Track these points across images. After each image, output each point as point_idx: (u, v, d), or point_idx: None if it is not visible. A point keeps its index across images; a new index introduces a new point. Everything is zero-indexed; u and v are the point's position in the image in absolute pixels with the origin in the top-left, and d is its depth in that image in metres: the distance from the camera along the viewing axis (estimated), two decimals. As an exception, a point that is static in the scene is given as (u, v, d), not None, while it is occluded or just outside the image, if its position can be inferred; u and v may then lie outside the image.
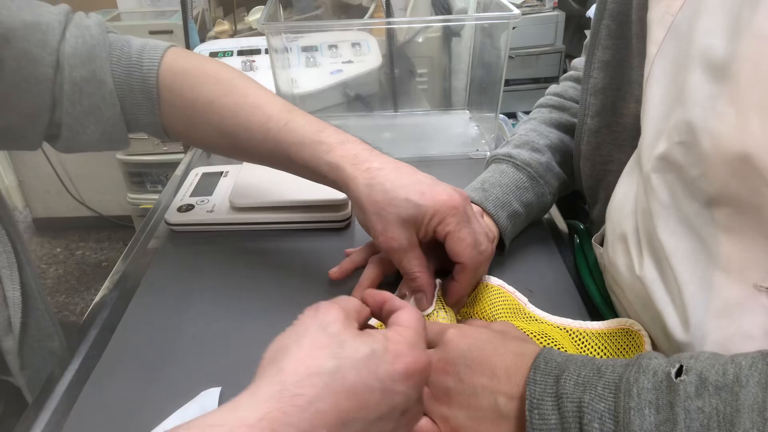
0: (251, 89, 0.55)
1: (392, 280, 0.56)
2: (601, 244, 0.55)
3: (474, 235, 0.48)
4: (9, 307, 0.57)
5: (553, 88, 0.72)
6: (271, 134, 0.52)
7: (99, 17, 0.56)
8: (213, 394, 0.45)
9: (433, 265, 0.52)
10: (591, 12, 1.48)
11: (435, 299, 0.50)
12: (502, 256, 0.60)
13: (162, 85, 0.55)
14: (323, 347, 0.31)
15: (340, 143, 0.50)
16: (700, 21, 0.38)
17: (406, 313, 0.36)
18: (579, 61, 0.72)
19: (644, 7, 0.46)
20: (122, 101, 0.56)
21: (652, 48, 0.44)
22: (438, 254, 0.51)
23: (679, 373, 0.32)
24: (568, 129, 0.66)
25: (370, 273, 0.55)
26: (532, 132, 0.65)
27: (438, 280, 0.52)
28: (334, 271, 0.57)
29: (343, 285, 0.57)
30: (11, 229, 0.59)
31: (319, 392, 0.29)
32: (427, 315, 0.50)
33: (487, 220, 0.58)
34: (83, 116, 0.54)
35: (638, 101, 0.48)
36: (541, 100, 0.71)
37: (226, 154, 0.61)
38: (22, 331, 0.59)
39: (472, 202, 0.58)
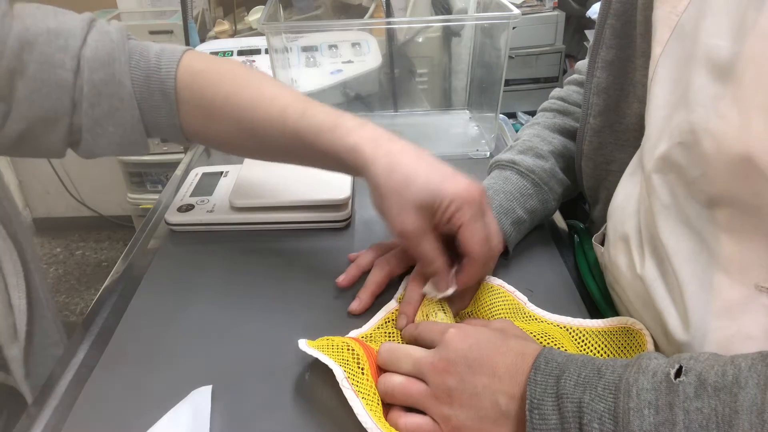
0: (266, 83, 0.56)
1: (397, 280, 0.56)
2: (602, 243, 0.55)
3: (487, 229, 0.48)
4: (14, 314, 0.57)
5: (557, 92, 0.71)
6: (289, 123, 0.53)
7: (120, 24, 0.57)
8: (205, 392, 0.45)
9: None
10: (591, 12, 1.48)
11: (453, 280, 0.50)
12: (506, 260, 0.60)
13: (180, 86, 0.56)
14: None
15: (360, 126, 0.51)
16: (705, 22, 0.38)
17: None
18: (583, 64, 0.71)
19: (649, 7, 0.46)
20: (141, 104, 0.56)
21: (656, 48, 0.43)
22: (445, 249, 0.51)
23: (678, 373, 0.32)
24: (571, 134, 0.66)
25: (376, 275, 0.55)
26: (536, 138, 0.64)
27: (455, 267, 0.51)
28: (341, 279, 0.57)
29: (349, 288, 0.57)
30: (19, 234, 0.59)
31: None
32: (426, 315, 0.50)
33: None
34: (102, 118, 0.55)
35: (641, 101, 0.48)
36: (545, 104, 0.71)
37: (243, 151, 0.61)
38: (28, 339, 0.58)
39: None
